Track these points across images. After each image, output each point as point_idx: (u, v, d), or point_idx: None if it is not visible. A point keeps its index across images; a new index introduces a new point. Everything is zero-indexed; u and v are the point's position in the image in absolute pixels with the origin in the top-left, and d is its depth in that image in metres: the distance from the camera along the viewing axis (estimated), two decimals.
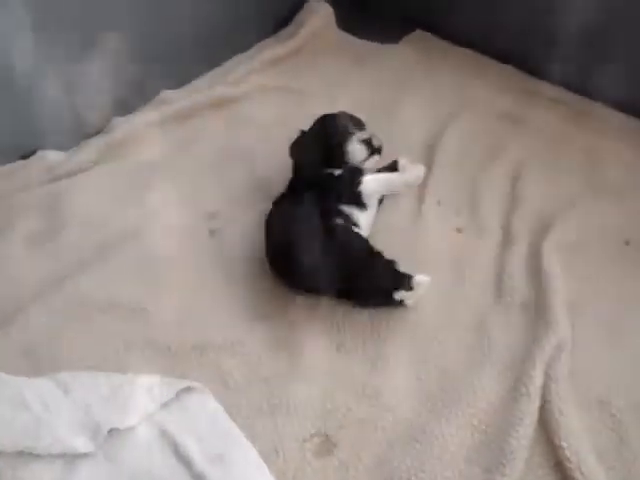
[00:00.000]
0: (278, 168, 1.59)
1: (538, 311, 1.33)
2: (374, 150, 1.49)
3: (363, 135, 1.50)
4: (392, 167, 1.55)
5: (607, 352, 1.29)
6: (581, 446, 1.11)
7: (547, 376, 1.20)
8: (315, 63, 2.06)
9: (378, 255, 1.31)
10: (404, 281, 1.27)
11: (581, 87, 1.96)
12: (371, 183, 1.43)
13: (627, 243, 1.53)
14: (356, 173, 1.44)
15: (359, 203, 1.41)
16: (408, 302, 1.30)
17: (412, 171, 1.49)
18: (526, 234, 1.51)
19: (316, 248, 1.26)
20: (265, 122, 1.80)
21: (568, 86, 1.98)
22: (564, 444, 1.11)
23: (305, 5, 2.19)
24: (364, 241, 1.34)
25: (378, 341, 1.27)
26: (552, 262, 1.42)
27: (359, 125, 1.55)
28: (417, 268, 1.37)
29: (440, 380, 1.22)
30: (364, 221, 1.41)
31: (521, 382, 1.19)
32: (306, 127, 1.52)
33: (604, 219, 1.57)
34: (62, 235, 1.44)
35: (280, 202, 1.44)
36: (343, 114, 1.56)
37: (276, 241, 1.35)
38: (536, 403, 1.16)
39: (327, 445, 1.11)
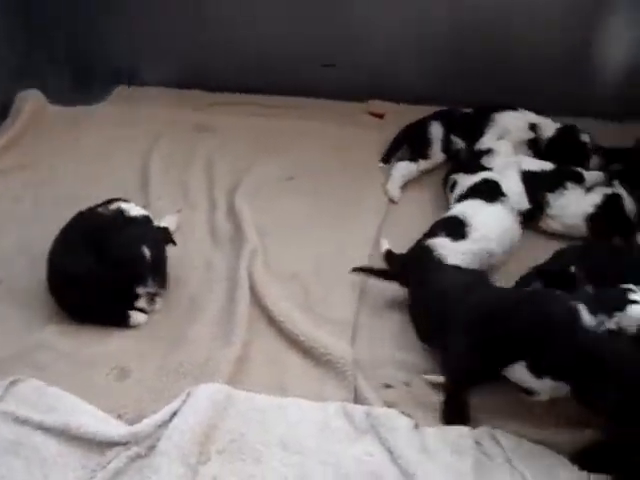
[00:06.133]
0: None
1: (239, 238, 2.02)
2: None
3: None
4: None
5: (289, 249, 2.00)
6: (281, 304, 1.78)
7: (250, 272, 1.87)
8: (37, 140, 2.54)
9: None
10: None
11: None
12: None
13: (291, 178, 2.28)
14: None
15: None
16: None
17: (171, 219, 2.08)
18: (223, 198, 2.21)
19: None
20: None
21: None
22: (270, 306, 1.78)
23: (17, 96, 2.67)
24: None
25: None
26: (242, 206, 2.13)
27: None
28: None
29: None
30: None
31: (235, 281, 1.85)
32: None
33: (271, 167, 2.34)
34: None
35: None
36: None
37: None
38: (246, 289, 1.82)
39: None
